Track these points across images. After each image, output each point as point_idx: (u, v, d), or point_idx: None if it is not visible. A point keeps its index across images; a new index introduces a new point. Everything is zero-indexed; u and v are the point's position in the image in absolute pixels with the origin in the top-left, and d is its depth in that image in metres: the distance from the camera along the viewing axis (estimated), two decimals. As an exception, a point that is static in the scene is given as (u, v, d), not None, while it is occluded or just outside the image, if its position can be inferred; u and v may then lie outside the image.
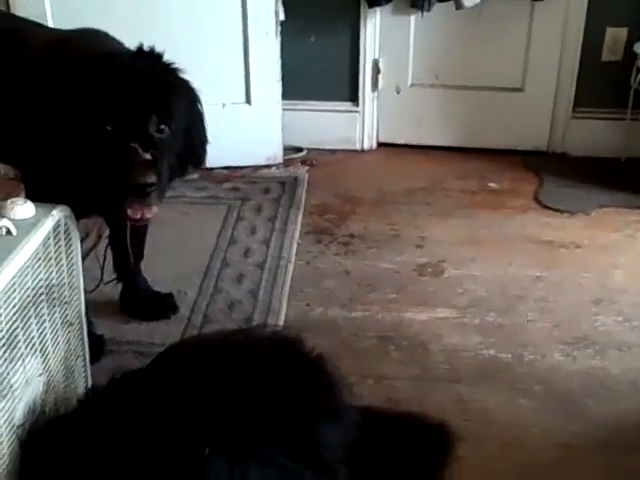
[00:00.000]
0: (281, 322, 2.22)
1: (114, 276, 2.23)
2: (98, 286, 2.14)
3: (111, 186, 1.66)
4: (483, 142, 3.34)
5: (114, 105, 1.64)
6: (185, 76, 1.77)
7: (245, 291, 2.38)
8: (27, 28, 2.07)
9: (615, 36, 3.12)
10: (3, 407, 1.35)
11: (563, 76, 3.20)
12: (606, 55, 3.15)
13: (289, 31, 3.09)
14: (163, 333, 2.17)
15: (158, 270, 2.35)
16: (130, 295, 2.26)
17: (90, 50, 1.78)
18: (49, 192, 1.70)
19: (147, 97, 1.67)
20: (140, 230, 2.15)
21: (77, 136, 1.66)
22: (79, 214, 1.75)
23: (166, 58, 1.74)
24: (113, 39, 1.91)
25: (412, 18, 3.19)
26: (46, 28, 2.21)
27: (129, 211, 1.70)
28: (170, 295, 2.32)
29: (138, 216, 1.72)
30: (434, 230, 2.76)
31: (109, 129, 1.64)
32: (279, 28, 3.02)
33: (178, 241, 2.62)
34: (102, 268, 2.16)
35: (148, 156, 1.63)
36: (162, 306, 2.27)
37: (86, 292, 1.93)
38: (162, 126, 1.69)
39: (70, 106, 1.66)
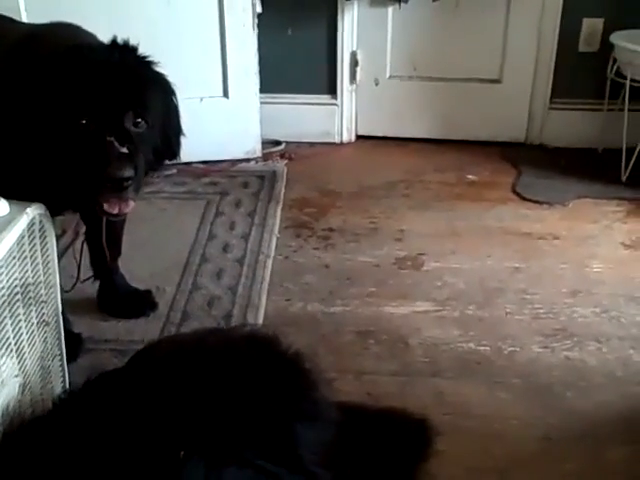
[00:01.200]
0: (261, 317, 2.22)
1: (91, 274, 2.21)
2: (75, 285, 2.12)
3: (87, 180, 1.64)
4: (461, 134, 3.35)
5: (89, 99, 1.62)
6: (160, 69, 1.75)
7: (224, 287, 2.37)
8: (3, 25, 2.04)
9: (591, 27, 3.14)
10: (-22, 409, 1.34)
11: (540, 67, 3.22)
12: (583, 46, 3.17)
13: (266, 24, 3.08)
14: (142, 330, 2.15)
15: (136, 266, 2.34)
16: (108, 293, 2.24)
17: (61, 43, 1.75)
18: (21, 188, 1.67)
19: (123, 91, 1.65)
20: (117, 226, 2.14)
21: (51, 130, 1.64)
22: (54, 210, 1.73)
23: (141, 51, 1.72)
24: (86, 32, 1.88)
25: (390, 10, 3.19)
26: (17, 22, 2.18)
27: (105, 205, 1.68)
28: (148, 292, 2.30)
29: (115, 211, 1.70)
30: (413, 223, 2.76)
31: (84, 123, 1.62)
32: (256, 21, 3.01)
33: (156, 237, 2.60)
34: (79, 266, 2.14)
35: (124, 150, 1.62)
36: (140, 303, 2.25)
37: (63, 291, 1.92)
38: (138, 120, 1.67)
39: (43, 99, 1.64)
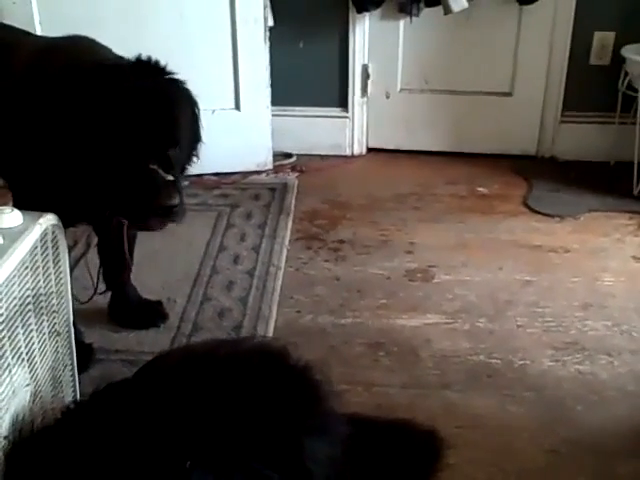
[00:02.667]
0: (271, 329, 2.22)
1: (104, 286, 2.21)
2: (92, 297, 2.13)
3: (134, 208, 1.67)
4: (472, 147, 3.35)
5: (132, 129, 1.63)
6: (185, 85, 1.77)
7: (235, 298, 2.38)
8: (14, 36, 2.06)
9: (603, 40, 3.14)
10: (-11, 418, 1.35)
11: (551, 80, 3.22)
12: (594, 59, 3.17)
13: (278, 37, 3.10)
14: (152, 341, 2.16)
15: (147, 278, 2.35)
16: (119, 303, 2.25)
17: (83, 59, 1.76)
18: (41, 202, 1.68)
19: (162, 119, 1.67)
20: (129, 238, 2.15)
21: (91, 157, 1.65)
22: (70, 222, 1.75)
23: (167, 68, 1.73)
24: (101, 46, 1.89)
25: (401, 23, 3.20)
26: (32, 35, 2.20)
27: (151, 225, 1.73)
28: (159, 303, 2.30)
29: (159, 229, 1.74)
30: (424, 235, 2.76)
31: (127, 152, 1.63)
32: (268, 34, 3.03)
33: (167, 248, 2.61)
34: (97, 279, 2.15)
35: (170, 177, 1.65)
36: (151, 314, 2.26)
37: (79, 303, 1.93)
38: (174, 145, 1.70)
39: (81, 126, 1.63)
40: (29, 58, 1.83)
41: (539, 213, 2.91)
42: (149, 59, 1.70)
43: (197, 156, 1.87)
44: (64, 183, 1.71)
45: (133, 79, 1.67)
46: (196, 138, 1.84)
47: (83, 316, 2.07)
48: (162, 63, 1.72)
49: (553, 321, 2.28)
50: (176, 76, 1.74)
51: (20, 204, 1.67)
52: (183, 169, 1.83)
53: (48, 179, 1.72)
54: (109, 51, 1.87)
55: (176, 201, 1.65)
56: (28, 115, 1.71)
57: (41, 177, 1.74)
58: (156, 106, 1.66)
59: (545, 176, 3.17)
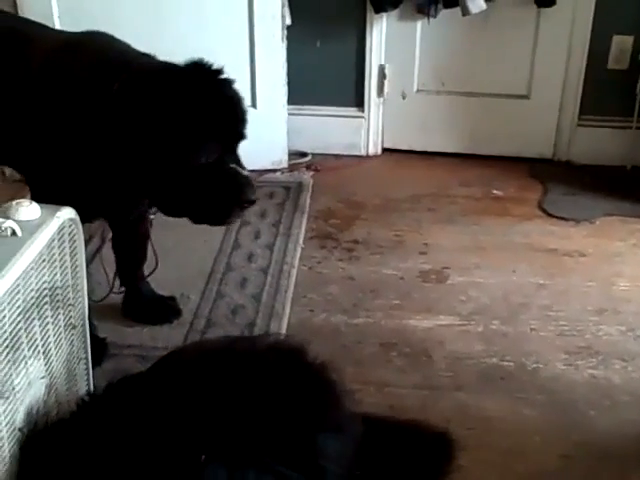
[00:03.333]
0: (284, 327, 2.22)
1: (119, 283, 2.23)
2: (108, 295, 2.15)
3: (219, 205, 1.73)
4: (488, 149, 3.34)
5: (213, 132, 1.68)
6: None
7: (248, 296, 2.38)
8: (32, 30, 2.05)
9: (621, 44, 3.12)
10: (5, 409, 1.35)
11: (569, 84, 3.20)
12: (612, 63, 3.15)
13: (295, 36, 3.09)
14: (166, 337, 2.17)
15: (161, 274, 2.35)
16: (133, 299, 2.26)
17: (111, 56, 1.77)
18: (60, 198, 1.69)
19: (238, 120, 1.73)
20: (143, 233, 2.16)
21: (161, 165, 1.67)
22: (89, 218, 1.76)
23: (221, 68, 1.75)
24: (121, 42, 1.89)
25: (418, 24, 3.19)
26: (49, 29, 2.17)
27: (230, 220, 1.82)
28: (173, 299, 2.31)
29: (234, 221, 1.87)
30: (438, 237, 2.75)
31: (206, 157, 1.68)
32: (285, 32, 3.02)
33: (182, 245, 2.62)
34: (114, 278, 2.17)
35: (246, 172, 1.74)
36: (165, 310, 2.27)
37: (94, 302, 1.94)
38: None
39: (144, 133, 1.64)
40: (49, 53, 1.82)
41: (554, 217, 2.90)
42: (210, 64, 1.72)
43: None
44: (117, 186, 1.75)
45: (197, 82, 1.69)
46: None
47: (97, 310, 2.07)
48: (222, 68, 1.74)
49: (567, 325, 2.27)
50: (230, 77, 1.76)
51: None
52: None
53: (93, 181, 1.75)
54: (128, 47, 1.86)
55: (257, 195, 1.76)
56: (61, 114, 1.71)
57: (86, 179, 1.76)
58: (224, 104, 1.70)
59: (561, 180, 3.16)
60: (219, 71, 1.72)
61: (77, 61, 1.76)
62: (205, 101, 1.67)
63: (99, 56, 1.76)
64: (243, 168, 1.75)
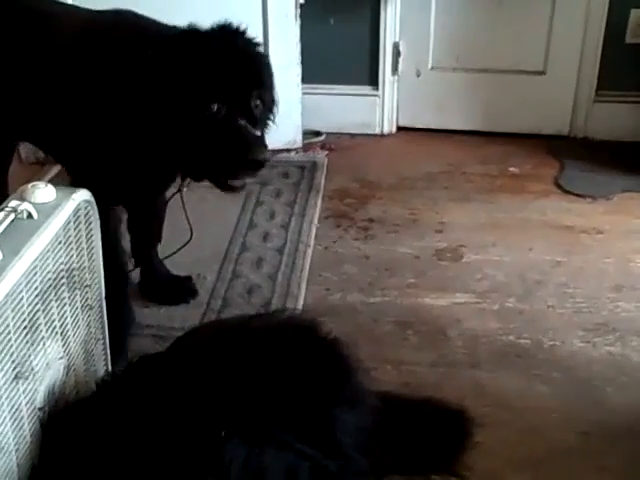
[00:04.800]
0: (300, 307, 2.22)
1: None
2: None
3: (224, 162, 1.68)
4: (504, 126, 3.31)
5: (220, 85, 1.65)
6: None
7: (264, 275, 2.39)
8: (56, 7, 2.05)
9: (639, 18, 3.07)
10: (25, 389, 1.37)
11: (586, 59, 3.16)
12: (630, 37, 3.11)
13: (309, 14, 3.07)
14: (182, 317, 2.18)
15: (177, 254, 2.36)
16: (149, 279, 2.27)
17: (147, 28, 1.79)
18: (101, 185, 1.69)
19: (249, 74, 1.70)
20: (159, 213, 2.17)
21: (176, 118, 1.66)
22: (113, 202, 1.76)
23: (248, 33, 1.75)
24: (148, 18, 1.86)
25: (433, 0, 3.16)
26: (68, 5, 2.18)
27: (236, 182, 1.74)
28: (189, 279, 2.32)
29: (242, 184, 1.76)
30: (454, 215, 2.74)
31: (214, 109, 1.65)
32: (299, 11, 3.01)
33: (197, 225, 2.59)
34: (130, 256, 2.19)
35: (258, 132, 1.68)
36: (181, 290, 2.28)
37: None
38: (257, 101, 1.72)
39: (165, 89, 1.65)
40: (79, 30, 1.84)
41: (571, 193, 2.87)
42: (236, 26, 1.72)
43: (274, 118, 1.88)
44: (140, 150, 1.73)
45: (221, 40, 1.69)
46: (273, 98, 1.84)
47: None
48: (246, 30, 1.74)
49: (584, 302, 2.26)
50: (256, 40, 1.76)
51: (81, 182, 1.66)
52: (263, 129, 1.84)
53: (117, 150, 1.75)
54: (156, 21, 1.85)
55: (267, 156, 1.67)
56: (106, 89, 1.71)
57: (108, 149, 1.76)
58: (240, 61, 1.68)
59: (578, 156, 3.13)
60: (238, 31, 1.72)
61: (110, 37, 1.78)
62: (208, 58, 1.65)
63: (130, 31, 1.78)
64: (256, 127, 1.70)
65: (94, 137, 1.76)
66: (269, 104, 1.79)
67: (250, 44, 1.75)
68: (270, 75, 1.79)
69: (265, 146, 1.69)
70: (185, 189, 2.07)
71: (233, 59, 1.68)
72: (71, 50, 1.80)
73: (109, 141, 1.75)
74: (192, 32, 1.71)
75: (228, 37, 1.70)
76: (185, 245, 2.26)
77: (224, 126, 1.66)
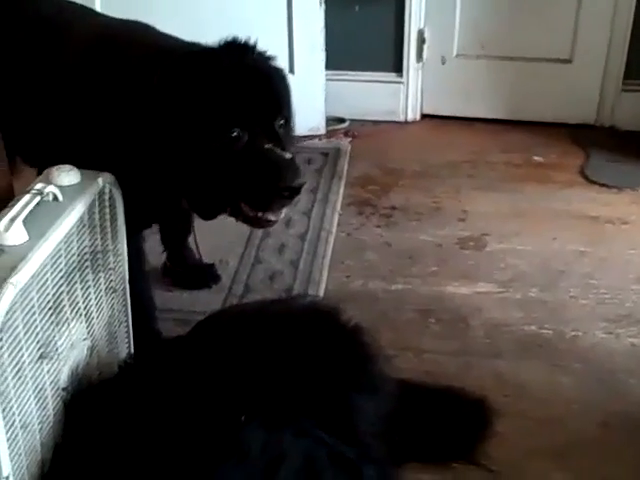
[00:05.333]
0: (321, 293, 2.23)
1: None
2: None
3: (251, 195, 1.53)
4: (529, 114, 3.28)
5: (240, 107, 1.51)
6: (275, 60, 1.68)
7: (286, 262, 2.39)
8: (70, 14, 1.90)
9: (669, 6, 3.03)
10: (49, 369, 1.38)
11: (613, 47, 3.12)
12: (660, 25, 3.07)
13: (334, 0, 3.06)
14: (205, 302, 2.19)
15: (200, 240, 2.35)
16: (174, 264, 2.28)
17: (156, 44, 1.67)
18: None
19: (270, 94, 1.57)
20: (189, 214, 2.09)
21: (193, 149, 1.50)
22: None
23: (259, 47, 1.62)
24: (161, 33, 1.76)
25: (459, -13, 3.14)
26: (88, 13, 1.98)
27: (271, 215, 1.57)
28: (212, 265, 2.33)
29: (278, 218, 1.59)
30: (477, 203, 2.73)
31: (236, 134, 1.51)
32: (324, -3, 3.00)
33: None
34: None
35: (288, 155, 1.52)
36: (204, 275, 2.29)
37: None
38: (282, 121, 1.59)
39: (183, 112, 1.50)
40: (91, 41, 1.72)
41: (596, 183, 2.84)
42: (243, 41, 1.59)
43: (293, 130, 1.73)
44: (161, 175, 1.58)
45: (234, 60, 1.56)
46: (291, 112, 1.70)
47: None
48: (256, 44, 1.61)
49: (607, 293, 2.24)
50: (269, 54, 1.64)
51: None
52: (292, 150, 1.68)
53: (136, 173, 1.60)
54: (164, 35, 1.75)
55: (303, 180, 1.51)
56: (115, 108, 1.59)
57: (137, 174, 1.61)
58: (256, 82, 1.55)
59: (604, 146, 3.10)
60: (249, 47, 1.59)
61: (117, 55, 1.66)
62: (224, 80, 1.52)
63: (137, 50, 1.66)
64: (285, 149, 1.54)
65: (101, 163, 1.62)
66: (290, 121, 1.66)
67: (264, 59, 1.62)
68: (288, 91, 1.65)
69: (298, 169, 1.53)
70: None
71: (250, 78, 1.54)
72: (82, 66, 1.68)
73: (119, 173, 1.60)
74: (202, 52, 1.58)
75: (240, 53, 1.57)
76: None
77: (249, 153, 1.50)
